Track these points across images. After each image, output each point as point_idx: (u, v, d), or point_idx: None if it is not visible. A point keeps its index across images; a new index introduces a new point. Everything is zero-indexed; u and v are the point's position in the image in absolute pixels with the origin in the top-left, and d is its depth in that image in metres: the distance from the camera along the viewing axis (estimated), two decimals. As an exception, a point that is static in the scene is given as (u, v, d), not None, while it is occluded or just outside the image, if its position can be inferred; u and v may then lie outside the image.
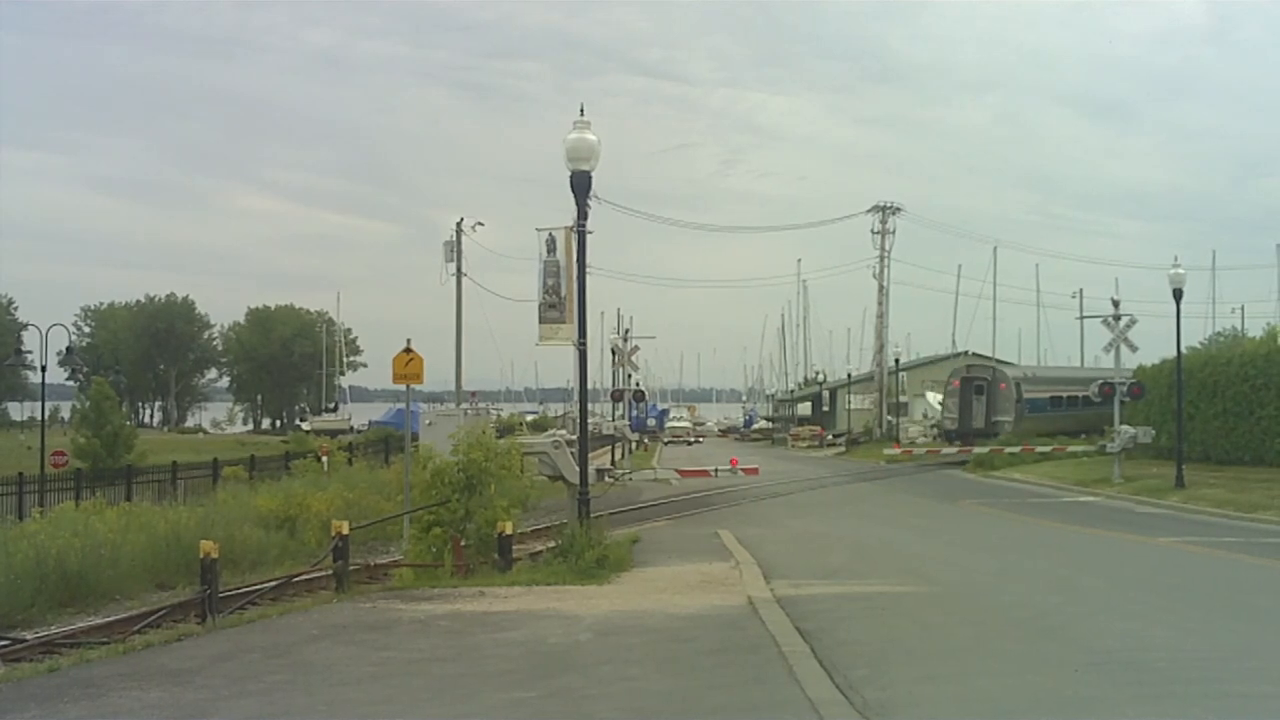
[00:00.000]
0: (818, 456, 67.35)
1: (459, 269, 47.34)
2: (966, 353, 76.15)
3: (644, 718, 8.00)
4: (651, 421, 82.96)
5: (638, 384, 52.66)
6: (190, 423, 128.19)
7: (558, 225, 19.60)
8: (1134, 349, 37.76)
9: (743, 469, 31.21)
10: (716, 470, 30.50)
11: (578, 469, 18.85)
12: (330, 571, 16.70)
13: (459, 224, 47.68)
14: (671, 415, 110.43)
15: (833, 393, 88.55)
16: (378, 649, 10.70)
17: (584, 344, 18.26)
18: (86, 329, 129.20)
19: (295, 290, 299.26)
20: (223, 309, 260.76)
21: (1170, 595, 14.10)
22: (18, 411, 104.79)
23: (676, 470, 31.66)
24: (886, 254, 70.38)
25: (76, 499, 25.84)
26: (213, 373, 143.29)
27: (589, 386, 19.88)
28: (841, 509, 30.31)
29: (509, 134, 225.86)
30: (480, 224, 48.63)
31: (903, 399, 72.89)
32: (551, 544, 18.70)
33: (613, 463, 35.85)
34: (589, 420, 21.31)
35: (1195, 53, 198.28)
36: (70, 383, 74.12)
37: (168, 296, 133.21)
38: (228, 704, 8.58)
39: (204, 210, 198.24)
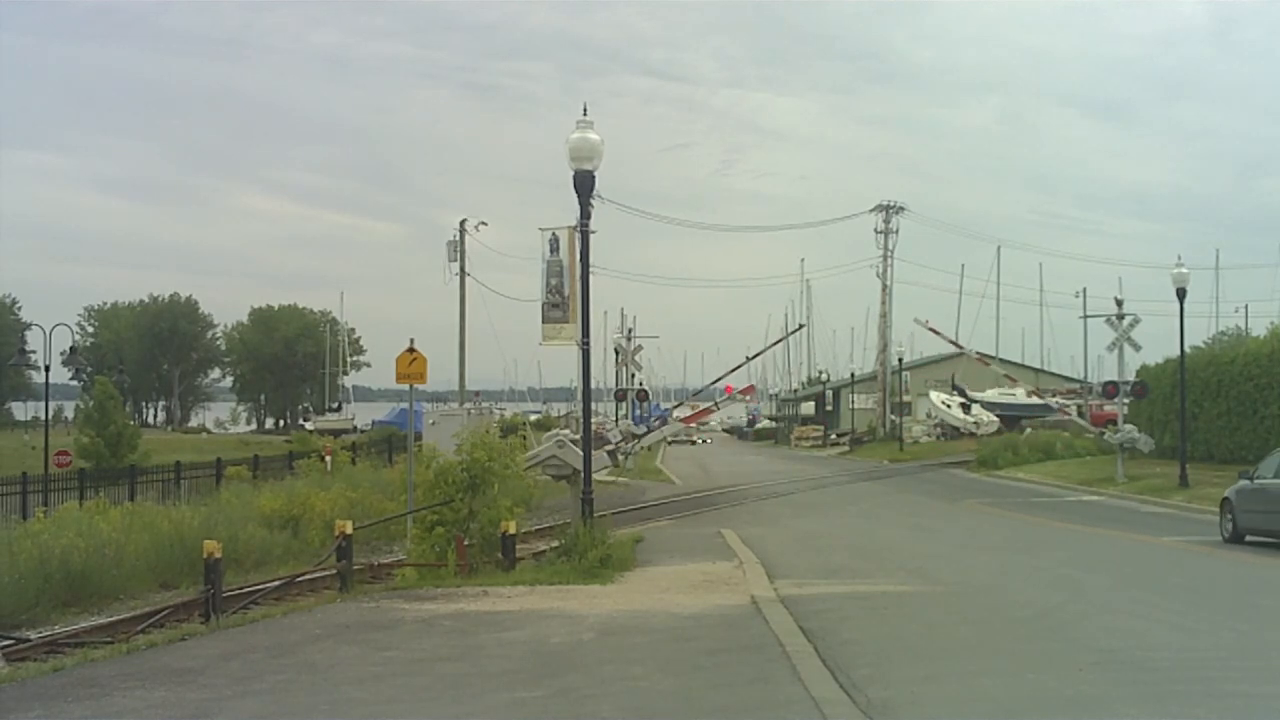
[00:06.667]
0: (821, 456, 67.37)
1: (462, 269, 47.50)
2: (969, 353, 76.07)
3: (647, 717, 8.00)
4: (655, 421, 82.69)
5: (641, 383, 52.53)
6: (193, 422, 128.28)
7: (561, 225, 19.63)
8: (1138, 348, 37.79)
9: (739, 391, 33.74)
10: (717, 403, 32.77)
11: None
12: (334, 571, 16.75)
13: (462, 224, 47.85)
14: (675, 415, 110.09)
15: (836, 392, 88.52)
16: (381, 648, 10.71)
17: (587, 344, 18.28)
18: (90, 329, 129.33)
19: (299, 290, 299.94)
20: (226, 309, 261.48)
21: (1173, 595, 14.08)
22: (21, 411, 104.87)
23: (681, 420, 33.36)
24: (890, 253, 70.46)
25: (80, 499, 25.85)
26: (216, 372, 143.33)
27: (592, 386, 19.89)
28: (845, 508, 30.30)
29: (513, 134, 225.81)
30: (484, 224, 48.85)
31: (906, 398, 72.85)
32: (555, 543, 18.72)
33: (617, 464, 35.87)
34: (592, 420, 21.32)
35: (1196, 53, 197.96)
36: (74, 383, 74.39)
37: (171, 296, 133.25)
38: (231, 704, 8.59)
39: (208, 210, 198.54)
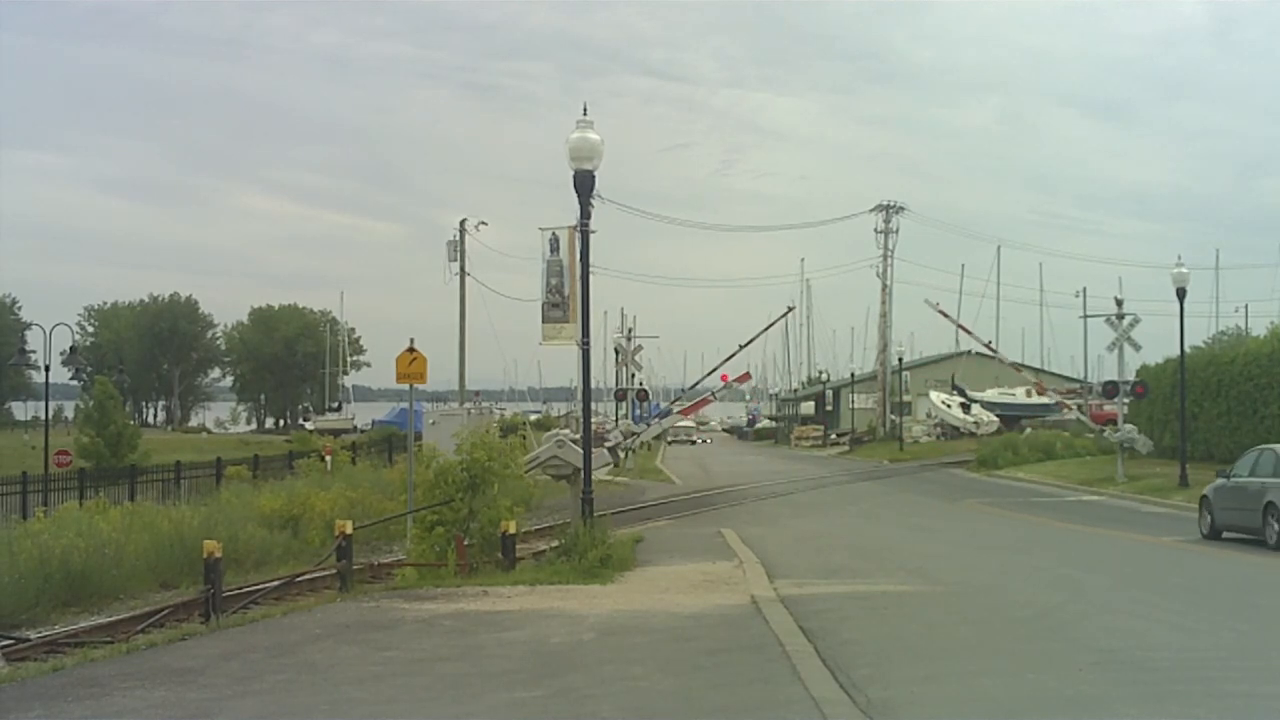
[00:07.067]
0: (821, 456, 67.37)
1: (462, 269, 47.48)
2: (969, 352, 76.17)
3: (647, 717, 7.99)
4: (655, 419, 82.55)
5: (641, 383, 52.53)
6: (193, 422, 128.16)
7: (561, 225, 19.64)
8: (1138, 348, 37.82)
9: (735, 379, 35.89)
10: (715, 394, 34.70)
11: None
12: (334, 571, 16.75)
13: (462, 224, 47.84)
14: (674, 409, 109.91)
15: (836, 392, 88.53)
16: (381, 648, 10.71)
17: (587, 344, 18.27)
18: (90, 329, 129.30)
19: (299, 290, 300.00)
20: (226, 309, 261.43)
21: (1174, 595, 14.08)
22: (21, 411, 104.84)
23: (679, 412, 33.99)
24: (890, 253, 70.46)
25: (80, 498, 25.84)
26: (216, 372, 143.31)
27: (592, 386, 19.89)
28: (845, 508, 30.31)
29: (513, 134, 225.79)
30: (484, 224, 48.84)
31: (906, 398, 72.91)
32: (555, 543, 18.72)
33: (618, 461, 36.02)
34: (592, 420, 21.31)
35: (1196, 53, 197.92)
36: (74, 382, 74.32)
37: (171, 296, 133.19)
38: (231, 703, 8.59)
39: (208, 210, 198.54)
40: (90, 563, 18.33)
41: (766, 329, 38.55)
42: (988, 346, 51.99)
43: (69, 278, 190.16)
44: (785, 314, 38.87)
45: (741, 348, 35.49)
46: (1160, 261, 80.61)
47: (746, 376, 37.15)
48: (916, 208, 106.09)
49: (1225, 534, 20.78)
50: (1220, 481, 21.36)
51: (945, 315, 52.13)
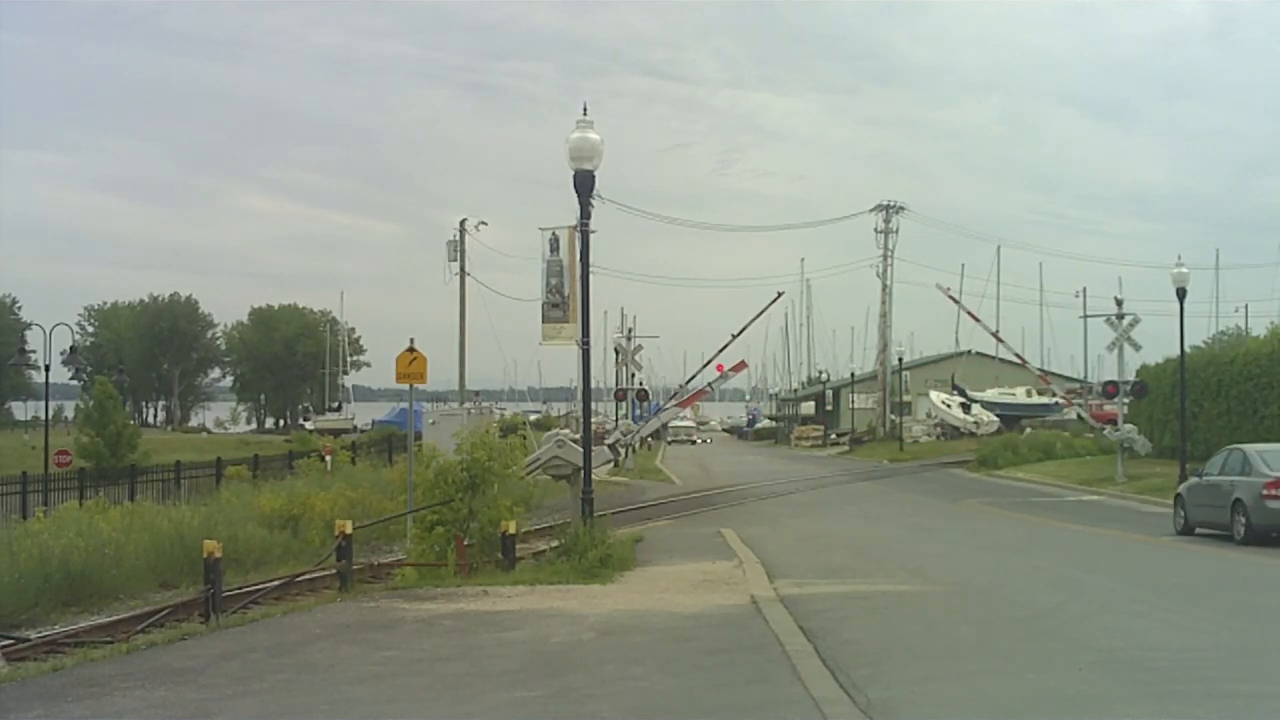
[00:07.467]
0: (821, 456, 67.39)
1: (462, 269, 47.48)
2: (970, 352, 76.20)
3: (647, 717, 7.99)
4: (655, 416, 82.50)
5: (641, 383, 52.54)
6: (193, 422, 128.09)
7: (561, 225, 19.67)
8: (1137, 348, 37.84)
9: (730, 368, 36.68)
10: (711, 385, 35.65)
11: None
12: (334, 571, 16.75)
13: (462, 224, 47.84)
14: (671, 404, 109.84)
15: (836, 392, 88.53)
16: (381, 648, 10.71)
17: (587, 343, 18.27)
18: (90, 329, 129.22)
19: (299, 290, 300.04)
20: (226, 308, 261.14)
21: (1174, 594, 14.08)
22: (21, 411, 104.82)
23: (677, 405, 34.42)
24: (890, 253, 70.42)
25: (80, 498, 25.84)
26: (216, 372, 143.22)
27: (592, 386, 19.90)
28: (844, 508, 30.31)
29: (513, 134, 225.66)
30: (484, 224, 48.86)
31: (906, 398, 72.92)
32: (555, 543, 18.72)
33: (619, 458, 36.03)
34: (592, 420, 21.29)
35: (1196, 53, 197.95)
36: (74, 382, 74.21)
37: (171, 296, 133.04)
38: (231, 703, 8.59)
39: (208, 210, 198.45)
40: (90, 563, 18.32)
41: (758, 316, 38.43)
42: (994, 335, 52.06)
43: (69, 278, 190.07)
44: (775, 299, 38.54)
45: (734, 337, 35.48)
46: (1160, 261, 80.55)
47: (742, 365, 37.01)
48: (916, 208, 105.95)
49: (1197, 530, 21.48)
50: (1194, 480, 22.17)
51: (955, 301, 52.42)
